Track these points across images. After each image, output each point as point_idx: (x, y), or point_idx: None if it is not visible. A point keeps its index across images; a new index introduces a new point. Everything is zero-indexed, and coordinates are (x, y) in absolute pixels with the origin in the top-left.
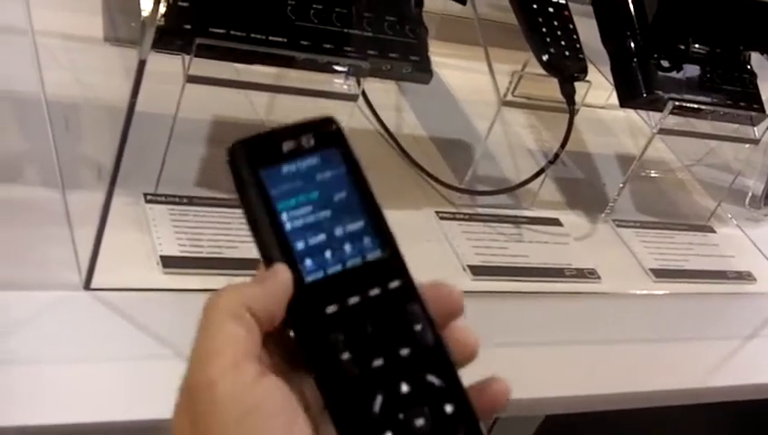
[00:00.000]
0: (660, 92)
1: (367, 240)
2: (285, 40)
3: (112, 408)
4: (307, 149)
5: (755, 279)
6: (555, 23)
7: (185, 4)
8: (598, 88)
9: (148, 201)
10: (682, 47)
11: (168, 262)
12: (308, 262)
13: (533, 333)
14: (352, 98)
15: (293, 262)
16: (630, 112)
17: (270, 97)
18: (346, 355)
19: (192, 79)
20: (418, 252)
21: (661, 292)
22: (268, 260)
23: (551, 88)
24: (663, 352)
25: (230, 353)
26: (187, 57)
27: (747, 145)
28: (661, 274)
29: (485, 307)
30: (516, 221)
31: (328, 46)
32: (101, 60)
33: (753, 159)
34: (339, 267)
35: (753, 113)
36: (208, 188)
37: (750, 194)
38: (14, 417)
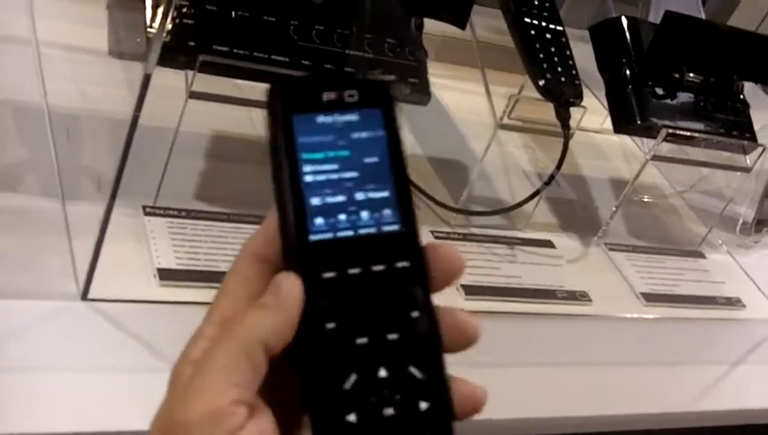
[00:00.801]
0: (654, 120)
1: (387, 212)
2: (287, 59)
3: (107, 418)
4: (348, 103)
5: (745, 305)
6: (552, 49)
7: (189, 22)
8: (593, 112)
9: (146, 214)
10: (676, 76)
11: (165, 274)
12: (318, 220)
13: (524, 353)
14: None
15: (303, 216)
16: (625, 138)
17: None
18: (331, 324)
19: (194, 95)
20: None
21: (651, 316)
22: (280, 210)
23: (547, 111)
24: (652, 376)
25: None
26: (190, 73)
27: (739, 173)
28: (652, 298)
29: None
30: (510, 242)
31: (329, 66)
32: (104, 72)
33: (744, 187)
34: (349, 233)
35: (746, 142)
36: (207, 202)
37: (741, 221)
38: (9, 425)
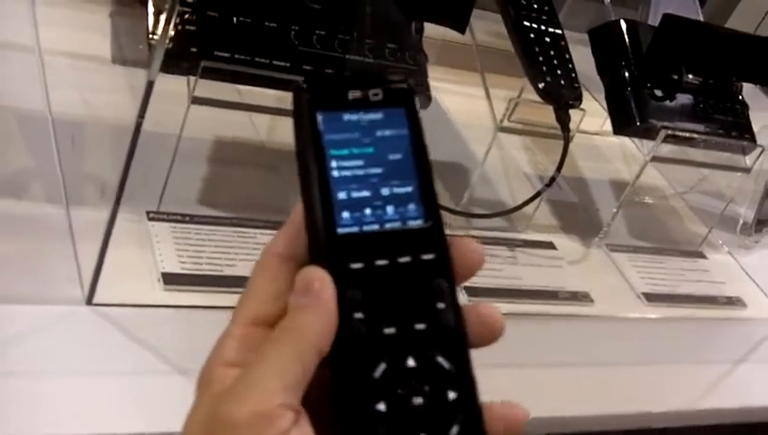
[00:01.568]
0: (653, 121)
1: (411, 207)
2: (288, 64)
3: (112, 422)
4: (373, 102)
5: (745, 305)
6: (551, 52)
7: (191, 29)
8: (593, 115)
9: (150, 219)
10: (675, 77)
11: (169, 279)
12: (345, 214)
13: (526, 354)
14: None
15: (330, 210)
16: (624, 139)
17: (272, 119)
18: (359, 314)
19: (197, 100)
20: None
21: (653, 316)
22: (307, 204)
23: (547, 114)
24: (654, 375)
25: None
26: (192, 79)
27: (738, 173)
28: (653, 298)
29: None
30: (511, 244)
31: (330, 71)
32: (107, 79)
33: (744, 188)
34: (375, 227)
35: (745, 143)
36: (210, 206)
37: (741, 221)
38: (14, 429)
